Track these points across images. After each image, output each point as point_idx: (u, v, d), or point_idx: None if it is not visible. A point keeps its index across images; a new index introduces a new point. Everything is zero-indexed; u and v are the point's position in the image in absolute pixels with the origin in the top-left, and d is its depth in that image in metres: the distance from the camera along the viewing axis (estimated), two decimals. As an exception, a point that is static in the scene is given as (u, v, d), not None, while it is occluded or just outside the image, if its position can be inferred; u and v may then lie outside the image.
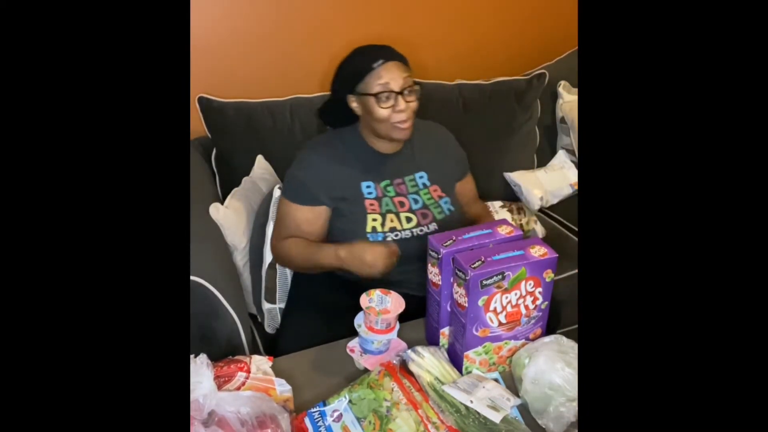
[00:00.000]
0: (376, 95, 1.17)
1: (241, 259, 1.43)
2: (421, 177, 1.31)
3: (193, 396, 0.78)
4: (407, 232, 1.24)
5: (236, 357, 0.97)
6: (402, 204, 1.27)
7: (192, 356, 0.82)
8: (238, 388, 0.88)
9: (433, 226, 1.26)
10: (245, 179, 1.54)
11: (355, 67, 1.21)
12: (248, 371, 0.92)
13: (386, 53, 1.20)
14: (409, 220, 1.26)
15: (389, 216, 1.25)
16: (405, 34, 1.85)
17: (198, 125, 1.61)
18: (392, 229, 1.24)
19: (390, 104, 1.17)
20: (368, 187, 1.27)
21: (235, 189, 1.52)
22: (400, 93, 1.17)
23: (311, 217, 1.26)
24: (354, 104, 1.24)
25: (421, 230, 1.26)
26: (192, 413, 0.77)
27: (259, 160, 1.58)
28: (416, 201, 1.29)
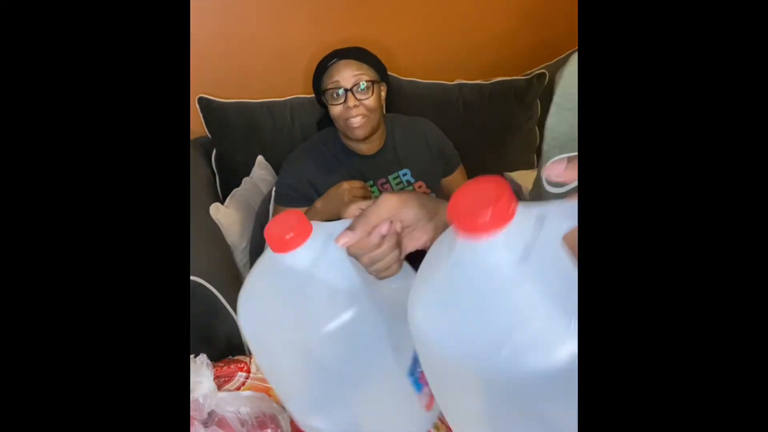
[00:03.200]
0: (326, 92, 1.22)
1: (241, 259, 1.43)
2: (404, 174, 1.32)
3: (193, 396, 0.78)
4: None
5: (236, 357, 0.97)
6: None
7: (192, 356, 0.82)
8: (238, 388, 0.88)
9: None
10: (245, 180, 1.54)
11: (318, 67, 1.25)
12: (248, 371, 0.92)
13: (343, 52, 1.22)
14: None
15: None
16: (405, 34, 1.85)
17: (198, 125, 1.61)
18: None
19: (340, 101, 1.20)
20: None
21: (235, 189, 1.52)
22: (350, 90, 1.19)
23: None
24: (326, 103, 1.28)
25: None
26: (192, 413, 0.77)
27: (259, 160, 1.58)
28: None
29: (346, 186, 1.18)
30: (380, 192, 1.29)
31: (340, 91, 1.19)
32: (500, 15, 2.02)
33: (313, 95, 1.64)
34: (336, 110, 1.21)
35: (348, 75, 1.19)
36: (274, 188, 1.41)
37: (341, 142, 1.31)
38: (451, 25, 1.95)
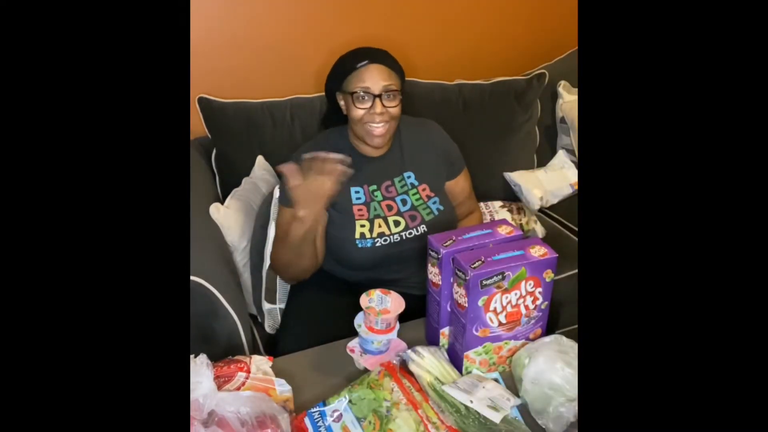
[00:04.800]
0: (352, 94, 1.18)
1: (241, 259, 1.43)
2: (408, 177, 1.31)
3: (193, 396, 0.78)
4: (396, 236, 1.24)
5: (236, 357, 0.97)
6: (390, 207, 1.27)
7: (192, 356, 0.82)
8: (238, 388, 0.88)
9: (422, 228, 1.26)
10: (245, 179, 1.54)
11: (343, 65, 1.22)
12: (248, 371, 0.92)
13: (373, 55, 1.20)
14: (397, 223, 1.25)
15: (377, 221, 1.25)
16: (405, 34, 1.85)
17: (198, 125, 1.61)
18: (381, 234, 1.24)
19: (366, 106, 1.18)
20: (357, 192, 1.26)
21: (235, 189, 1.52)
22: (378, 96, 1.17)
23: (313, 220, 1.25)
24: (341, 102, 1.25)
25: (410, 233, 1.26)
26: (192, 413, 0.77)
27: (259, 160, 1.58)
28: (404, 202, 1.28)
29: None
30: (384, 196, 1.28)
31: (368, 96, 1.18)
32: (500, 15, 2.02)
33: (313, 95, 1.65)
34: (359, 113, 1.19)
35: (378, 80, 1.17)
36: (276, 188, 1.41)
37: (349, 143, 1.29)
38: (451, 25, 1.95)
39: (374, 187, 1.28)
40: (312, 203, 1.12)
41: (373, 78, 1.18)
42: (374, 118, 1.18)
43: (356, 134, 1.25)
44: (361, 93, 1.18)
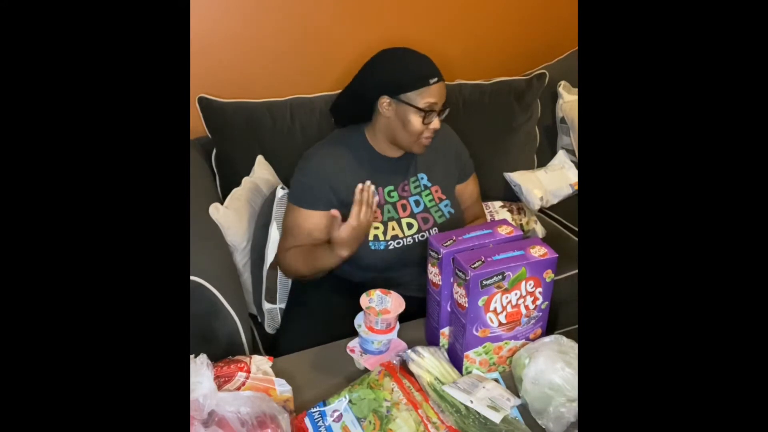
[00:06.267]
0: (422, 110, 1.17)
1: (241, 259, 1.43)
2: (422, 178, 1.31)
3: (193, 396, 0.78)
4: (409, 239, 1.25)
5: (236, 357, 0.97)
6: (404, 208, 1.27)
7: (192, 356, 0.82)
8: (238, 388, 0.88)
9: (434, 231, 1.27)
10: (245, 179, 1.54)
11: (412, 74, 1.18)
12: (248, 371, 0.92)
13: (438, 72, 1.20)
14: (410, 226, 1.26)
15: (391, 224, 1.25)
16: (405, 34, 1.85)
17: (198, 125, 1.61)
18: (394, 237, 1.24)
19: (429, 121, 1.19)
20: None
21: (235, 189, 1.52)
22: (439, 113, 1.19)
23: (323, 223, 1.24)
24: (384, 106, 1.20)
25: (422, 236, 1.26)
26: (192, 413, 0.77)
27: (259, 160, 1.58)
28: (418, 203, 1.29)
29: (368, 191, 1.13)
30: (399, 197, 1.28)
31: (433, 113, 1.18)
32: (501, 15, 2.02)
33: (313, 95, 1.65)
34: (419, 127, 1.18)
35: (441, 99, 1.19)
36: (277, 188, 1.41)
37: (367, 143, 1.28)
38: (451, 25, 1.95)
39: (391, 187, 1.28)
40: (357, 242, 1.14)
41: (441, 95, 1.19)
42: (429, 133, 1.20)
43: (396, 140, 1.23)
44: (432, 110, 1.18)
